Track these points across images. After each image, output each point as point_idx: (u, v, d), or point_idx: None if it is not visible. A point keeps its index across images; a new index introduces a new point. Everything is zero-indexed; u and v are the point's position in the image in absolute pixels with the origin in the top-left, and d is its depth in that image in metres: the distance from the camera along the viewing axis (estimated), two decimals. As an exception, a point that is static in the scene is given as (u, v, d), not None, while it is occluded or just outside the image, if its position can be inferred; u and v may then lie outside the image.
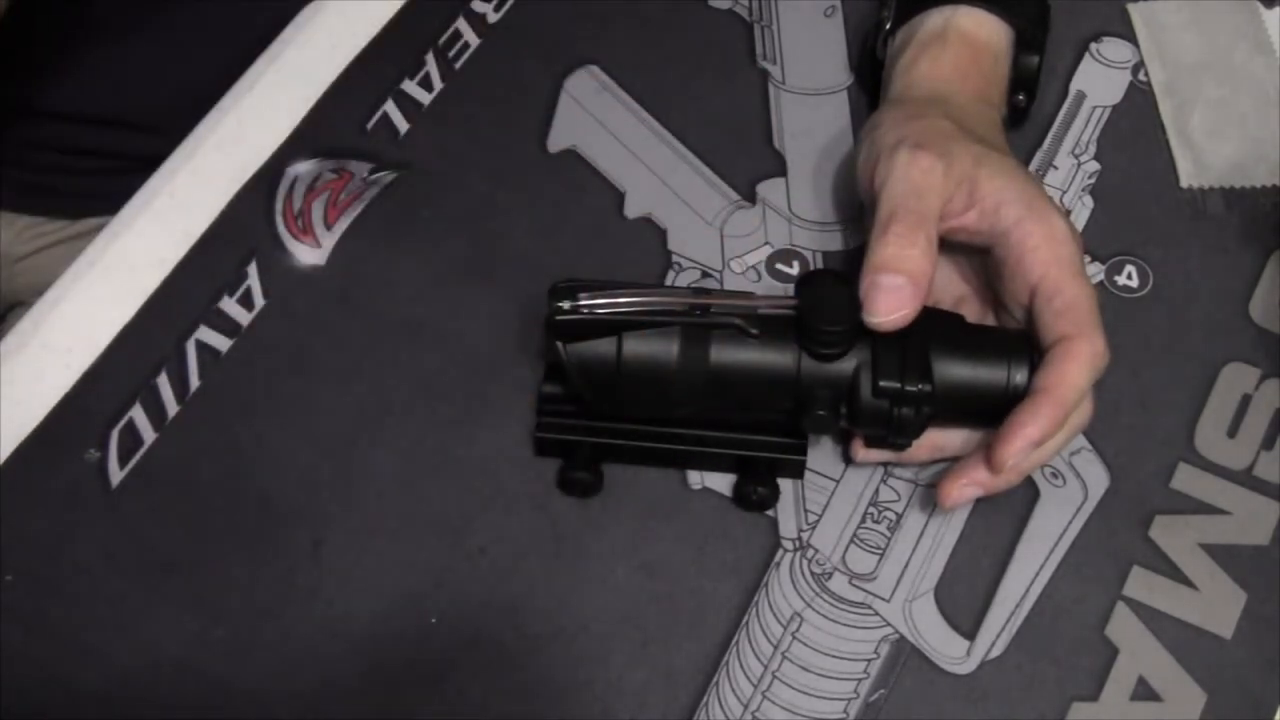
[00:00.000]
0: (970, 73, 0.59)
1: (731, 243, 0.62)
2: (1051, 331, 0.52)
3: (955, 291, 0.58)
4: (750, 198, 0.64)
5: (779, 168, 0.65)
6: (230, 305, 0.60)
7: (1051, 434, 0.51)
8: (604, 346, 0.51)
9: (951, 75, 0.59)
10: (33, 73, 0.67)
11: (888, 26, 0.62)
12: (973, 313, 0.57)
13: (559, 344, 0.51)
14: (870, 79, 0.65)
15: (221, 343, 0.59)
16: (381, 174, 0.63)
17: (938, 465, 0.57)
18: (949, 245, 0.55)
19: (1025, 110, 0.63)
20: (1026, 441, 0.51)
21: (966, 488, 0.53)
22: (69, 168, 0.72)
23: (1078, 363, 0.51)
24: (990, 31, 0.60)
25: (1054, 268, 0.52)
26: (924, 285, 0.51)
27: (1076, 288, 0.52)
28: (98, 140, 0.71)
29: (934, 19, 0.60)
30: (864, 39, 0.67)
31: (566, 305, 0.51)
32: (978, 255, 0.56)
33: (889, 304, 0.51)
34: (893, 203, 0.53)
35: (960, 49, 0.60)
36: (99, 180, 0.72)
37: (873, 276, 0.51)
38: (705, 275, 0.62)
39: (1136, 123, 0.67)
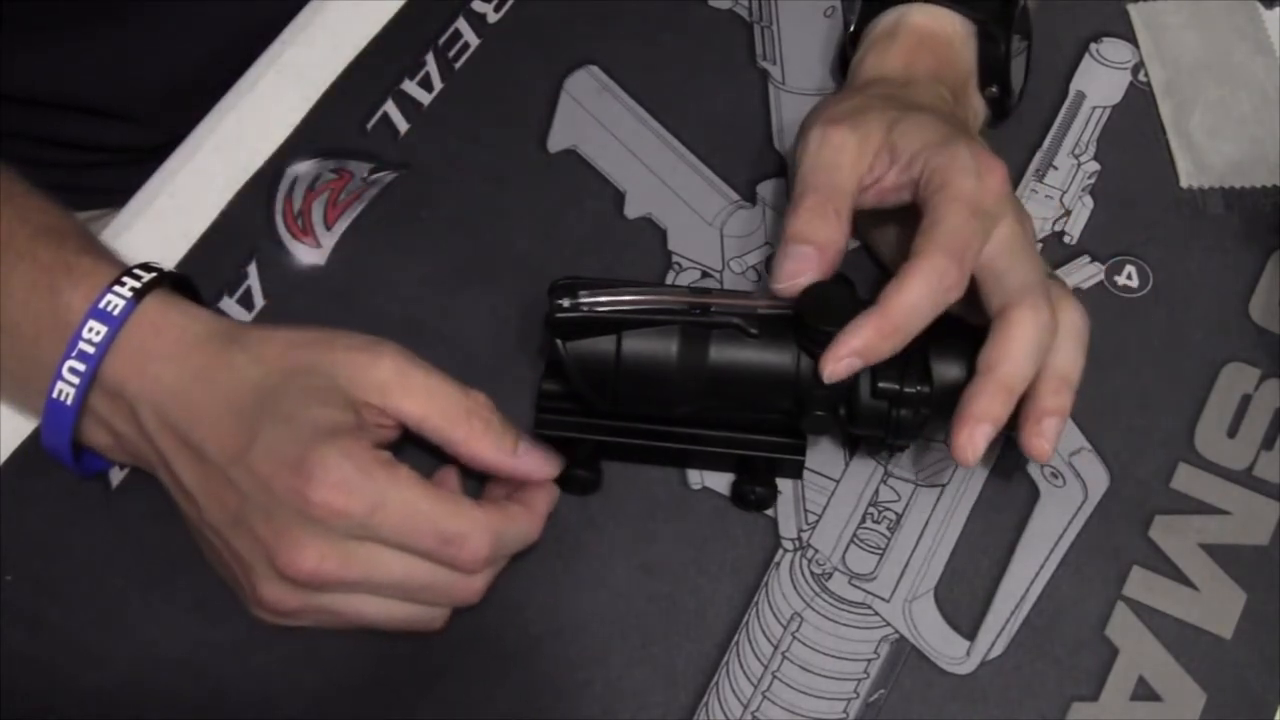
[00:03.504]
0: (919, 57, 0.60)
1: (731, 243, 0.62)
2: (992, 301, 0.51)
3: None
4: (750, 198, 0.64)
5: (779, 168, 0.65)
6: (230, 305, 0.59)
7: (1005, 413, 0.50)
8: (604, 345, 0.51)
9: (896, 64, 0.60)
10: (6, 57, 0.65)
11: (851, 29, 0.63)
12: None
13: (559, 342, 0.51)
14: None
15: (221, 343, 0.59)
16: (381, 174, 0.63)
17: (938, 466, 0.57)
18: (902, 216, 0.55)
19: (1002, 103, 0.63)
20: (977, 424, 0.49)
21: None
22: (49, 160, 0.70)
23: (1012, 335, 0.50)
24: (943, 25, 0.60)
25: (960, 205, 0.50)
26: (831, 255, 0.52)
27: (970, 229, 0.50)
28: (76, 130, 0.69)
29: (888, 18, 0.61)
30: (839, 43, 0.67)
31: (566, 303, 0.51)
32: None
33: (791, 269, 0.52)
34: (804, 180, 0.54)
35: (908, 40, 0.60)
36: (76, 173, 0.70)
37: (781, 248, 0.52)
38: (705, 275, 0.62)
39: (1136, 123, 0.67)
